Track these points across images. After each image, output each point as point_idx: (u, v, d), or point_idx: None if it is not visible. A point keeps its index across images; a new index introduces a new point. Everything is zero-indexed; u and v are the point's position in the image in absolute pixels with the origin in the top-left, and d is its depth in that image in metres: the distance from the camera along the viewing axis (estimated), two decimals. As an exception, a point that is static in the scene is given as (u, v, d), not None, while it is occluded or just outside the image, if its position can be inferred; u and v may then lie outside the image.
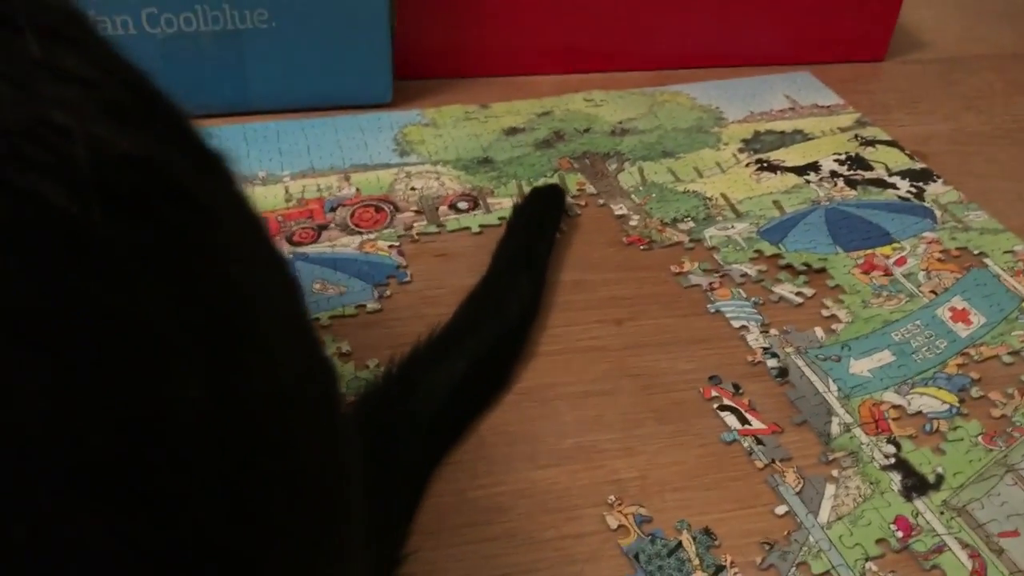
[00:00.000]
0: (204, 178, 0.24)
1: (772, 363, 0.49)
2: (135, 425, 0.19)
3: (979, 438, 0.45)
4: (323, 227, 0.57)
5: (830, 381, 0.48)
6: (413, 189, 0.61)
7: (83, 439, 0.18)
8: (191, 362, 0.21)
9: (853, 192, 0.62)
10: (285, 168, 0.61)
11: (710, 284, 0.54)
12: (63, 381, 0.18)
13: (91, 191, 0.18)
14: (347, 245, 0.55)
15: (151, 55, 0.61)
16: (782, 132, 0.68)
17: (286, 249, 0.54)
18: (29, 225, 0.17)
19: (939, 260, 0.56)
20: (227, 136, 0.62)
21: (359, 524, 0.30)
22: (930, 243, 0.58)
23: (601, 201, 0.61)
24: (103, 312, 0.19)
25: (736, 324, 0.51)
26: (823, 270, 0.55)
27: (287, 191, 0.59)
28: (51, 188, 0.18)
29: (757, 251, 0.56)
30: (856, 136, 0.68)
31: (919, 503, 0.42)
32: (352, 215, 0.58)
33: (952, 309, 0.53)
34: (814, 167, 0.65)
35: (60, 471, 0.18)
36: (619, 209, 0.60)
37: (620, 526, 0.40)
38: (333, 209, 0.58)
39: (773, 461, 0.43)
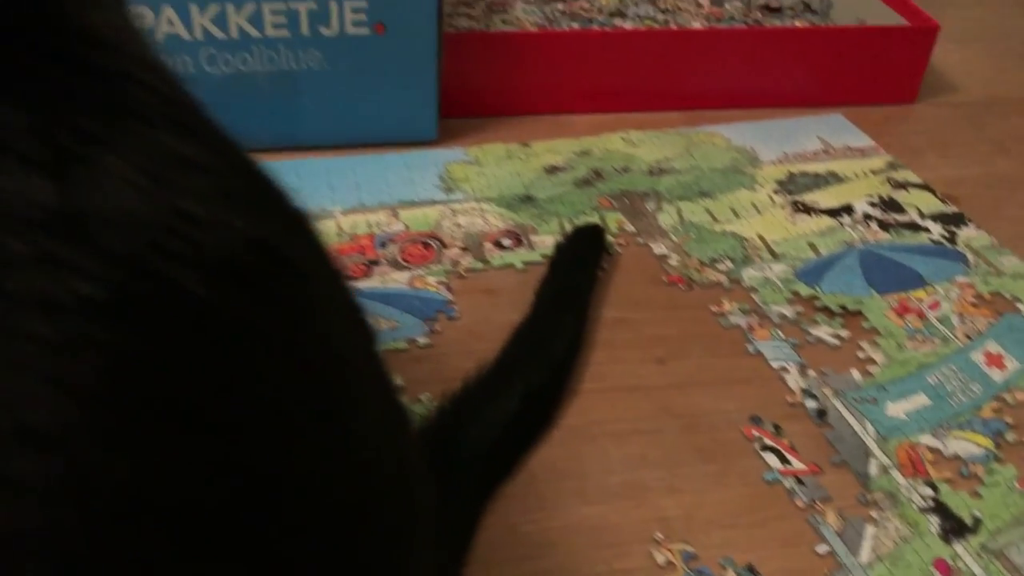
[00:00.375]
0: (299, 243, 0.26)
1: (811, 404, 0.50)
2: (258, 483, 0.21)
3: (1015, 482, 0.46)
4: (374, 262, 0.59)
5: (867, 423, 0.49)
6: (459, 226, 0.63)
7: (199, 496, 0.20)
8: (302, 421, 0.23)
9: (886, 235, 0.64)
10: (336, 204, 0.64)
11: (749, 325, 0.55)
12: (194, 447, 0.20)
13: (218, 274, 0.20)
14: (397, 280, 0.58)
15: (209, 93, 0.64)
16: (816, 174, 0.70)
17: (339, 284, 0.56)
18: (164, 307, 0.20)
19: (972, 305, 0.58)
20: (280, 171, 0.64)
21: (427, 560, 0.31)
22: (963, 287, 0.59)
23: (641, 240, 0.62)
24: (232, 385, 0.21)
25: (775, 365, 0.53)
26: (858, 313, 0.57)
27: (339, 227, 0.61)
28: (185, 273, 0.20)
29: (794, 292, 0.58)
30: (888, 179, 0.70)
31: (958, 546, 0.43)
32: (401, 251, 0.60)
33: (986, 353, 0.54)
34: (848, 209, 0.66)
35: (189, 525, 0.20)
36: (658, 248, 0.62)
37: (668, 562, 0.42)
38: (383, 245, 0.60)
39: (814, 501, 0.45)
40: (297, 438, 0.23)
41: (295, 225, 0.26)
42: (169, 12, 0.62)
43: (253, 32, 0.63)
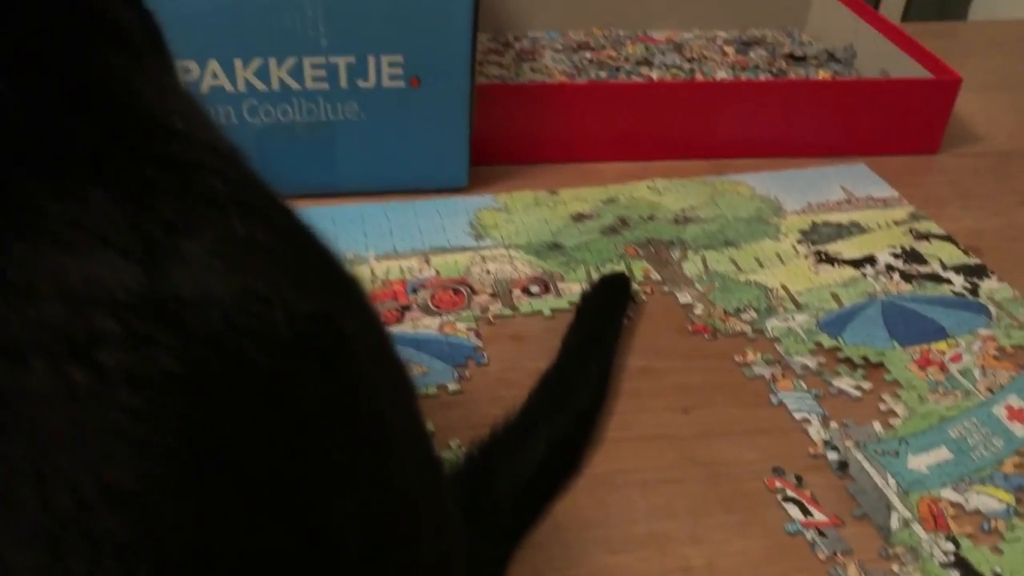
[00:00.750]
0: (350, 311, 0.28)
1: (833, 456, 0.51)
2: (309, 533, 0.23)
3: (1036, 539, 0.47)
4: (406, 308, 0.61)
5: (889, 476, 0.50)
6: (488, 272, 0.65)
7: (263, 545, 0.22)
8: (350, 479, 0.25)
9: (908, 286, 0.65)
10: (370, 249, 0.66)
11: (772, 375, 0.57)
12: (253, 503, 0.22)
13: (282, 348, 0.23)
14: (428, 326, 0.59)
15: (250, 141, 0.66)
16: (839, 224, 0.71)
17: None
18: (234, 379, 0.22)
19: (995, 357, 0.58)
20: (317, 217, 0.66)
21: None
22: (985, 340, 0.60)
23: (666, 288, 0.64)
24: (291, 447, 0.23)
25: (798, 416, 0.54)
26: (880, 364, 0.58)
27: (372, 272, 0.63)
28: (254, 349, 0.22)
29: (817, 343, 0.59)
30: (911, 230, 0.71)
31: (978, 602, 0.44)
32: (432, 297, 0.62)
33: (1008, 407, 0.55)
34: (870, 260, 0.67)
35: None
36: (684, 297, 0.63)
37: (691, 613, 0.43)
38: (415, 290, 0.62)
39: (835, 553, 0.46)
40: (345, 492, 0.24)
41: (346, 293, 0.28)
42: (214, 65, 0.64)
43: (294, 85, 0.66)
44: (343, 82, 0.67)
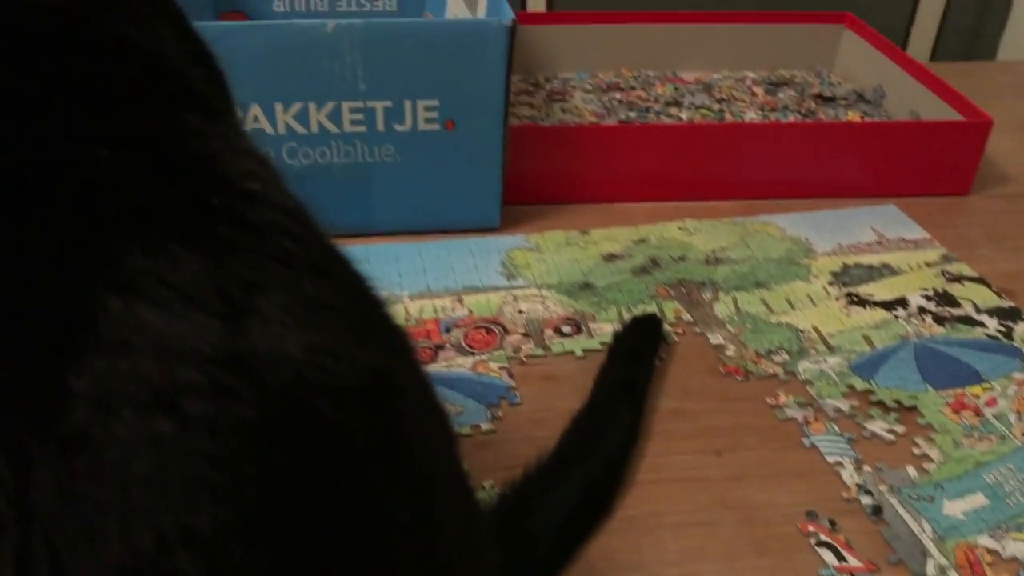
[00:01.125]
0: (399, 363, 0.29)
1: (866, 500, 0.51)
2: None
3: (1075, 588, 0.46)
4: (439, 347, 0.62)
5: (924, 522, 0.50)
6: (520, 312, 0.65)
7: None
8: (403, 525, 0.26)
9: (942, 329, 0.65)
10: (404, 288, 0.67)
11: (805, 418, 0.57)
12: (314, 545, 0.23)
13: (345, 399, 0.24)
14: (461, 365, 0.60)
15: (288, 182, 0.68)
16: (870, 266, 0.72)
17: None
18: (303, 429, 0.23)
19: (1030, 402, 0.58)
20: (353, 256, 0.68)
21: None
22: (1021, 384, 0.60)
23: (698, 329, 0.64)
24: (352, 496, 0.24)
25: (831, 459, 0.54)
26: (914, 408, 0.57)
27: (407, 311, 0.64)
28: (322, 401, 0.23)
29: (849, 386, 0.59)
30: (943, 272, 0.71)
31: (1017, 652, 0.43)
32: (465, 336, 0.63)
33: (1044, 453, 0.54)
34: (902, 302, 0.67)
35: None
36: (715, 338, 0.63)
37: (725, 658, 0.42)
38: (448, 330, 0.63)
39: (870, 600, 0.45)
40: (399, 539, 0.26)
41: (397, 345, 0.30)
42: (256, 109, 0.66)
43: (332, 128, 0.68)
44: (380, 125, 0.68)
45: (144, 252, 0.23)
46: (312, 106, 0.67)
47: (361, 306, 0.28)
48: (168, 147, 0.26)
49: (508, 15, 0.67)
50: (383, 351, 0.27)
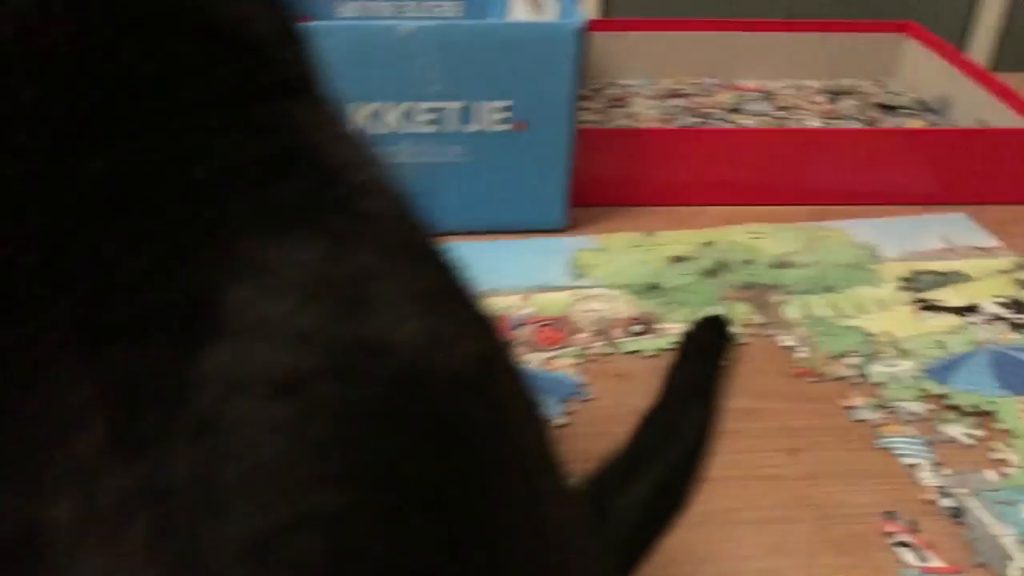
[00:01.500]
0: (497, 348, 0.30)
1: (946, 502, 0.50)
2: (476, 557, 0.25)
3: None
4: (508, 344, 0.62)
5: (1006, 525, 0.49)
6: (588, 311, 0.66)
7: None
8: (512, 504, 0.26)
9: (1017, 336, 0.64)
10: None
11: (879, 420, 0.56)
12: (429, 524, 0.23)
13: (460, 383, 0.25)
14: (531, 362, 0.61)
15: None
16: (940, 272, 0.71)
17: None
18: (422, 412, 0.24)
19: (1111, 409, 0.57)
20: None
21: None
22: (1100, 391, 0.59)
23: (767, 332, 0.64)
24: (466, 478, 0.25)
25: (906, 461, 0.53)
26: (991, 413, 0.57)
27: (477, 308, 0.65)
28: (440, 386, 0.24)
29: (923, 390, 0.59)
30: (1016, 280, 0.70)
31: (1108, 657, 0.42)
32: (534, 334, 0.63)
33: None
34: (975, 309, 0.67)
35: None
36: (785, 340, 0.63)
37: (808, 653, 0.42)
38: (516, 328, 0.64)
39: (954, 601, 0.45)
40: (507, 516, 0.26)
41: (492, 331, 0.30)
42: (332, 108, 0.68)
43: (405, 128, 0.69)
44: (451, 126, 0.69)
45: (265, 242, 0.23)
46: (385, 107, 0.68)
47: (461, 292, 0.29)
48: (281, 138, 0.27)
49: (579, 18, 0.67)
50: (486, 338, 0.28)
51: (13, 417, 0.21)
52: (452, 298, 0.27)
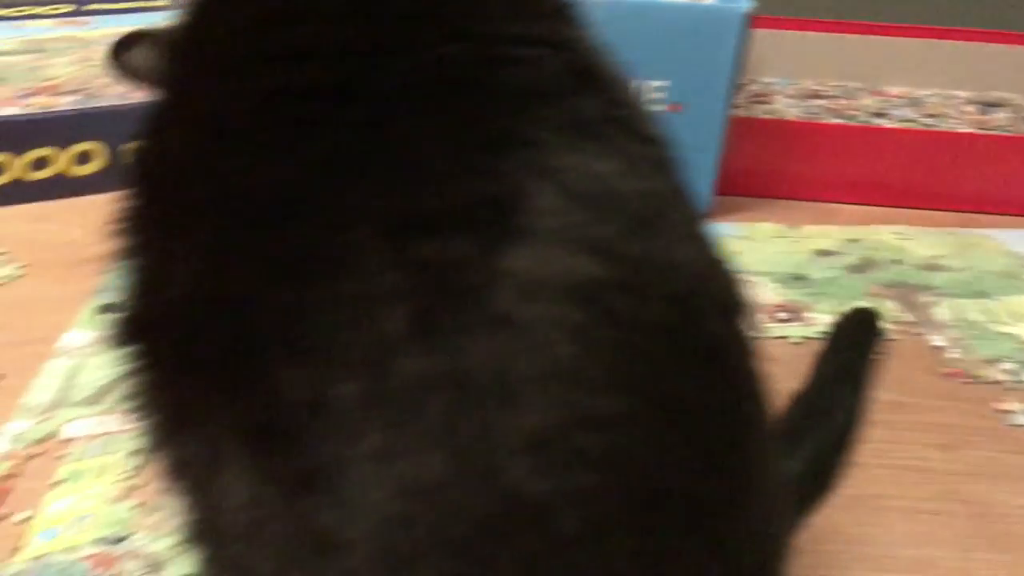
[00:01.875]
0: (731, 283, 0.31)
1: (1107, 514, 0.49)
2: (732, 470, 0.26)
3: None
4: (655, 318, 0.63)
5: None
6: (732, 295, 0.66)
7: None
8: (754, 423, 0.28)
9: None
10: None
11: (1036, 426, 0.55)
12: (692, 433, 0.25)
13: (726, 314, 0.27)
14: (676, 337, 0.61)
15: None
16: (1100, 288, 0.69)
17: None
18: (695, 334, 0.25)
19: None
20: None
21: None
22: None
23: (916, 330, 0.63)
24: (726, 400, 0.26)
25: (1066, 469, 0.52)
26: None
27: (622, 282, 0.66)
28: (709, 311, 0.26)
29: (1082, 402, 0.57)
30: None
31: None
32: (679, 311, 0.64)
33: None
34: None
35: None
36: (935, 340, 0.62)
37: (964, 641, 0.42)
38: (662, 303, 0.64)
39: (1116, 610, 0.44)
40: (750, 446, 0.27)
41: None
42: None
43: (565, 101, 0.70)
44: (608, 103, 0.71)
45: (566, 152, 0.25)
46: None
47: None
48: (576, 57, 0.28)
49: (747, 2, 0.68)
50: (728, 275, 0.29)
51: (318, 299, 0.23)
52: (710, 237, 0.29)
